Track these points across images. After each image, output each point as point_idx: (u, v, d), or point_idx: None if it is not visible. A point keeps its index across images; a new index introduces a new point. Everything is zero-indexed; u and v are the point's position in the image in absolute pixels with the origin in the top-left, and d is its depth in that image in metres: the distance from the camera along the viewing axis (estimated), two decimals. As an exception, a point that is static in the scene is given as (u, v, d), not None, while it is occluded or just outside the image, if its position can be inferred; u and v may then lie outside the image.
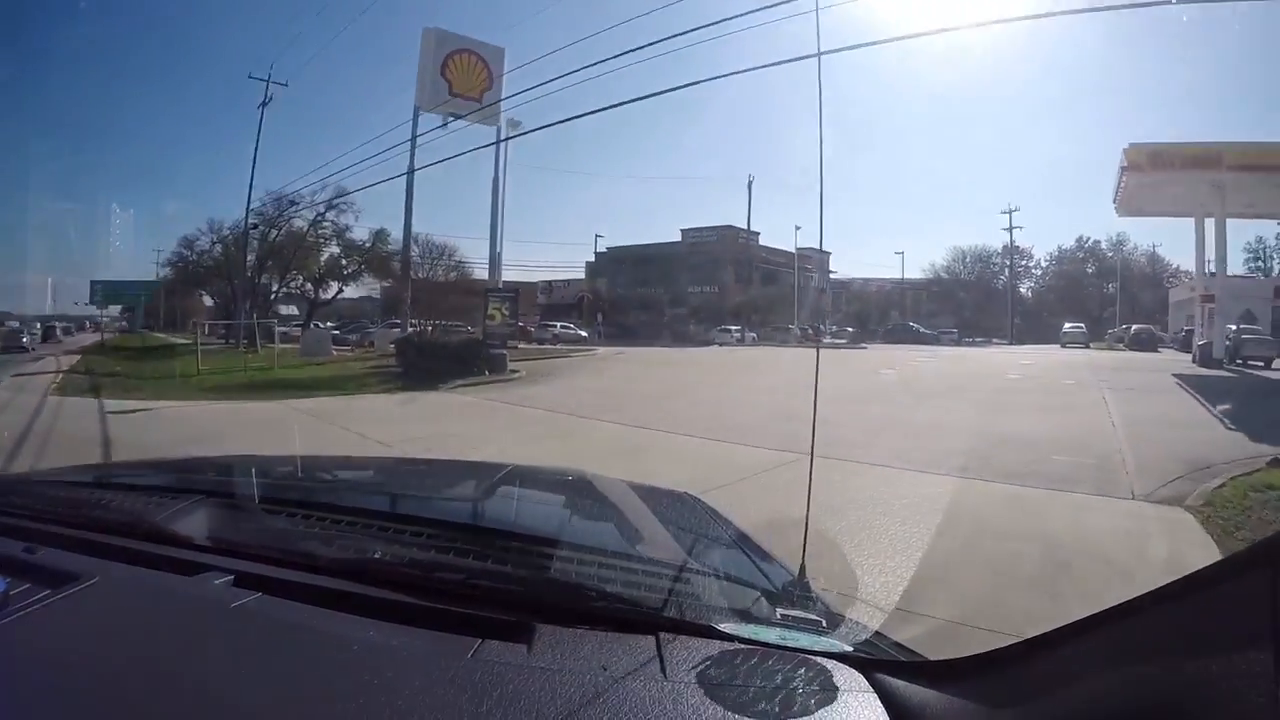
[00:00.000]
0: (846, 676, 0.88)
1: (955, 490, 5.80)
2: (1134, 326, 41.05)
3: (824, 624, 1.01)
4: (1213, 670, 0.61)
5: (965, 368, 20.41)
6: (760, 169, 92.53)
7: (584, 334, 40.87)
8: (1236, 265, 62.84)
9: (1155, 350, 34.01)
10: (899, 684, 0.87)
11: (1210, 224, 24.38)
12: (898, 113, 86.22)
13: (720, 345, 38.50)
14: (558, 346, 32.65)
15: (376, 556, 1.14)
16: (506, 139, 26.87)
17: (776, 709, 0.81)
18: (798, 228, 51.70)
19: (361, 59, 61.63)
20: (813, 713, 0.81)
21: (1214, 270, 24.94)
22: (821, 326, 55.08)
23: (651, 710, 0.78)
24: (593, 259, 58.56)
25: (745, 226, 45.86)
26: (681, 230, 53.87)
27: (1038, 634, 0.79)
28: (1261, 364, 21.03)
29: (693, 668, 0.87)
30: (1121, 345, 36.94)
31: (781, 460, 6.66)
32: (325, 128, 68.18)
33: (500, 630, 0.94)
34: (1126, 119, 67.13)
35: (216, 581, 1.08)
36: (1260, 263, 59.13)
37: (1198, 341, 22.57)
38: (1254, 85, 58.39)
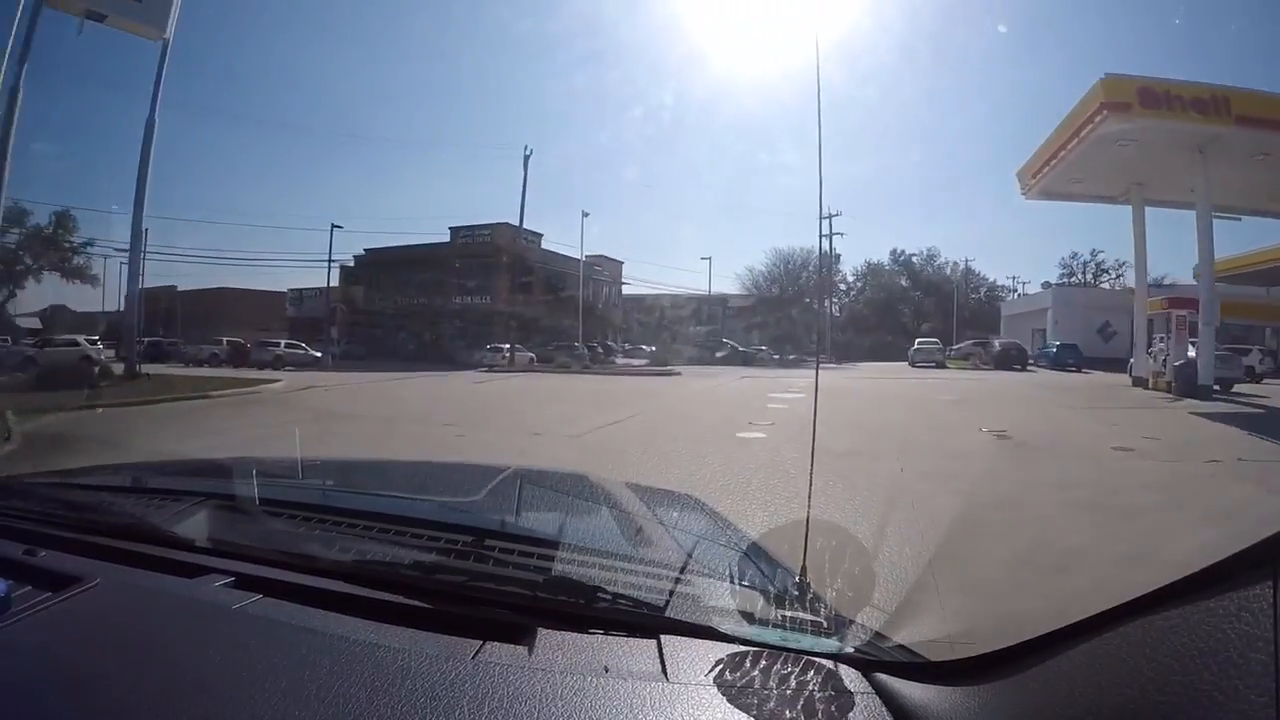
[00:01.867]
0: (848, 677, 0.89)
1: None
2: (998, 341, 37.12)
3: (825, 625, 1.00)
4: (1213, 670, 0.61)
5: (853, 401, 14.37)
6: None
7: (318, 354, 34.11)
8: (1048, 278, 62.55)
9: (1025, 368, 30.98)
10: (900, 685, 0.88)
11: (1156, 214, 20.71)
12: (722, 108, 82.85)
13: (487, 369, 31.49)
14: (260, 374, 25.20)
15: (377, 559, 1.14)
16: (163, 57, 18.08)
17: (778, 710, 0.81)
18: (585, 214, 47.21)
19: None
20: (814, 714, 0.81)
21: (1196, 273, 20.28)
22: (612, 343, 49.75)
23: (653, 712, 0.79)
24: (352, 262, 49.42)
25: (520, 222, 38.08)
26: (451, 229, 45.63)
27: (1038, 634, 0.80)
28: (1219, 389, 17.64)
29: (695, 669, 0.88)
30: (979, 364, 32.64)
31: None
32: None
33: (502, 632, 0.95)
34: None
35: (217, 584, 1.08)
36: (1075, 277, 58.91)
37: (1172, 361, 18.31)
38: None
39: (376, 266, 47.69)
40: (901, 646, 0.99)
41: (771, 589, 1.13)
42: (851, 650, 0.94)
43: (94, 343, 26.99)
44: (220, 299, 52.35)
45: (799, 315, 44.40)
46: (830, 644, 0.95)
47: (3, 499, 1.49)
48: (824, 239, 46.05)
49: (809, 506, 1.42)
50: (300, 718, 0.77)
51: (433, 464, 2.68)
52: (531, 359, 36.16)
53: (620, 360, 38.99)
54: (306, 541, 1.25)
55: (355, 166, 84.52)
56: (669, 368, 30.62)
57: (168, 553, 1.20)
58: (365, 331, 46.30)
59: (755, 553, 1.34)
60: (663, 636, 0.95)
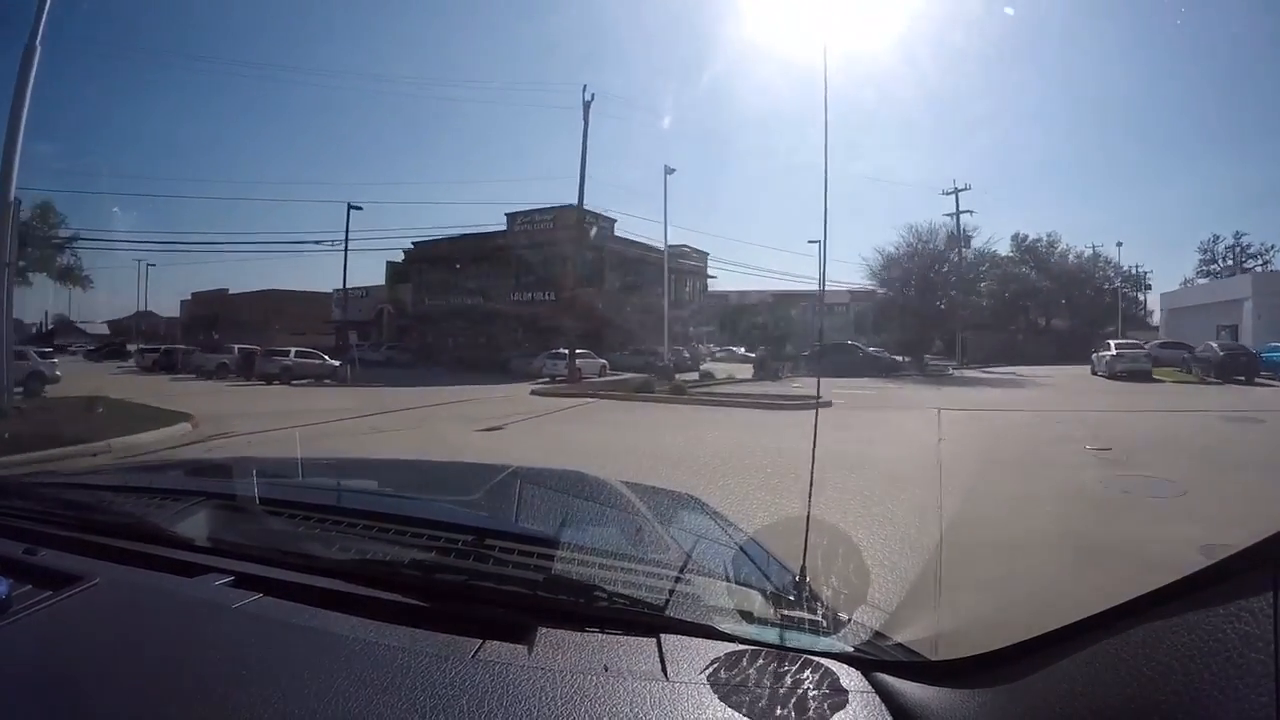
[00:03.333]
0: (848, 677, 0.89)
1: None
2: (1218, 344, 25.44)
3: (825, 624, 1.00)
4: (1213, 670, 0.61)
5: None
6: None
7: (336, 364, 27.73)
8: (1188, 270, 55.10)
9: (1252, 380, 21.92)
10: (900, 684, 0.88)
11: None
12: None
13: (549, 379, 25.88)
14: (270, 387, 23.62)
15: (377, 558, 1.14)
16: None
17: (778, 710, 0.81)
18: (670, 170, 31.65)
19: None
20: (814, 714, 0.81)
21: None
22: (702, 346, 42.09)
23: (653, 711, 0.79)
24: (401, 258, 43.67)
25: (580, 189, 28.32)
26: (508, 215, 38.42)
27: (1039, 634, 0.80)
28: None
29: (694, 668, 0.88)
30: (1203, 376, 23.28)
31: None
32: None
33: (501, 631, 0.95)
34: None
35: (217, 583, 1.09)
36: (1216, 263, 52.43)
37: None
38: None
39: (426, 262, 41.83)
40: (901, 646, 0.99)
41: (771, 588, 1.13)
42: (851, 650, 0.94)
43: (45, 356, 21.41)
44: (267, 302, 48.94)
45: (932, 309, 34.72)
46: (830, 643, 0.95)
47: (3, 499, 1.50)
48: (951, 217, 37.02)
49: (809, 507, 1.33)
50: (301, 716, 0.77)
51: (433, 463, 2.67)
52: (603, 366, 29.14)
53: (708, 368, 31.15)
54: (306, 541, 1.24)
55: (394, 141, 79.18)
56: (794, 386, 20.95)
57: (168, 552, 1.19)
58: (416, 335, 41.14)
59: (755, 552, 1.34)
60: (662, 635, 0.95)
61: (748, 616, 0.99)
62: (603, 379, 26.47)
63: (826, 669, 0.89)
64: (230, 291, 53.49)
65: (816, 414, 11.63)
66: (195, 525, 1.30)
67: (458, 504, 1.69)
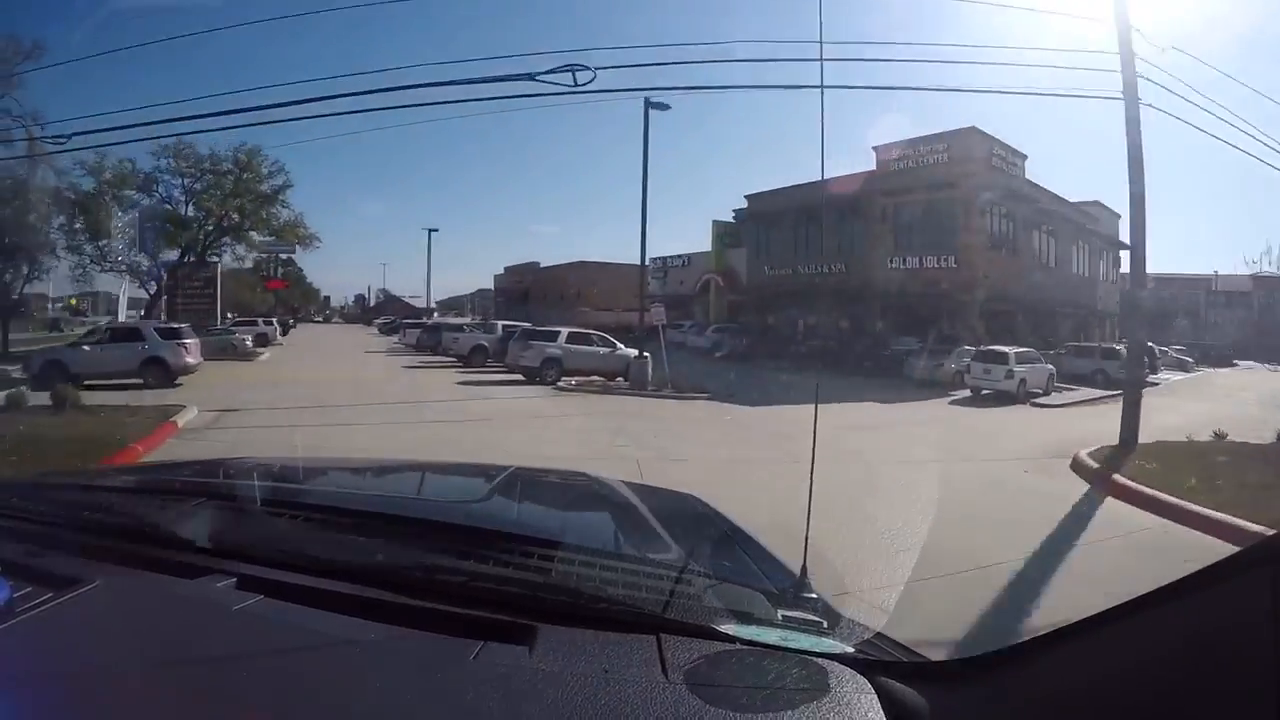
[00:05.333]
0: (848, 678, 0.89)
1: None
2: None
3: (825, 625, 1.01)
4: (1213, 669, 0.61)
5: None
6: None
7: (630, 355, 18.27)
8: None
9: None
10: (900, 685, 0.88)
11: None
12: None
13: (983, 390, 17.25)
14: (520, 388, 16.48)
15: (379, 559, 1.14)
16: None
17: (778, 711, 0.82)
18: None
19: None
20: (814, 715, 0.81)
21: None
22: (1154, 346, 29.35)
23: (653, 712, 0.79)
24: (732, 218, 36.43)
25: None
26: (877, 149, 27.14)
27: (1038, 635, 0.81)
28: None
29: (695, 669, 0.88)
30: None
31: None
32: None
33: (502, 632, 0.95)
34: None
35: (219, 584, 1.08)
36: None
37: None
38: None
39: (765, 220, 31.71)
40: (902, 647, 1.00)
41: (772, 589, 1.13)
42: (851, 650, 0.94)
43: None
44: (578, 275, 44.54)
45: None
46: (830, 644, 0.94)
47: (3, 499, 1.48)
48: None
49: (809, 507, 1.32)
50: (302, 717, 0.78)
51: (434, 464, 2.49)
52: (1050, 372, 19.01)
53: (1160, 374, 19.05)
54: (309, 542, 1.24)
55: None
56: None
57: (169, 554, 1.19)
58: (754, 314, 31.51)
59: (756, 552, 1.34)
60: (663, 636, 0.95)
61: (748, 617, 0.98)
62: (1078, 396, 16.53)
63: (827, 670, 0.89)
64: (541, 265, 50.18)
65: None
66: (196, 527, 1.29)
67: (459, 505, 1.68)
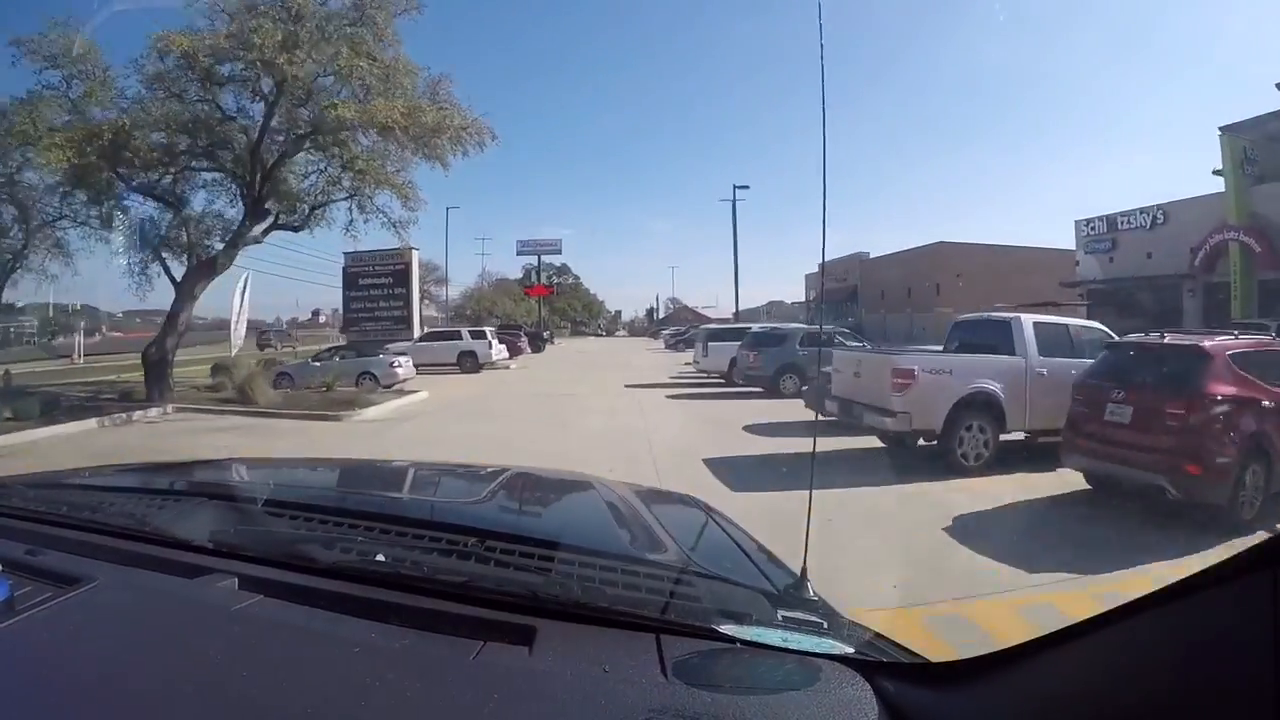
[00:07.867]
0: (848, 679, 0.89)
1: None
2: None
3: (825, 626, 1.00)
4: (1213, 671, 0.61)
5: None
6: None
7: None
8: None
9: None
10: (900, 686, 0.88)
11: None
12: None
13: None
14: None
15: (379, 559, 1.14)
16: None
17: (778, 711, 0.82)
18: None
19: None
20: (814, 715, 0.81)
21: None
22: None
23: (653, 712, 0.79)
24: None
25: None
26: None
27: (1039, 636, 0.80)
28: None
29: (694, 669, 0.88)
30: None
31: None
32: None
33: (503, 632, 0.95)
34: None
35: (219, 584, 1.09)
36: None
37: None
38: None
39: None
40: (901, 648, 1.00)
41: (771, 589, 1.13)
42: (851, 651, 0.94)
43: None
44: (930, 262, 37.52)
45: None
46: (830, 645, 0.94)
47: (3, 499, 1.48)
48: None
49: (809, 507, 1.31)
50: (302, 717, 0.77)
51: (434, 465, 2.51)
52: None
53: None
54: (309, 542, 1.24)
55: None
56: None
57: (169, 553, 1.19)
58: None
59: (756, 553, 1.35)
60: (663, 637, 0.95)
61: (748, 618, 0.98)
62: None
63: (826, 671, 0.89)
64: (871, 255, 44.03)
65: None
66: (197, 526, 1.29)
67: (459, 505, 1.70)
